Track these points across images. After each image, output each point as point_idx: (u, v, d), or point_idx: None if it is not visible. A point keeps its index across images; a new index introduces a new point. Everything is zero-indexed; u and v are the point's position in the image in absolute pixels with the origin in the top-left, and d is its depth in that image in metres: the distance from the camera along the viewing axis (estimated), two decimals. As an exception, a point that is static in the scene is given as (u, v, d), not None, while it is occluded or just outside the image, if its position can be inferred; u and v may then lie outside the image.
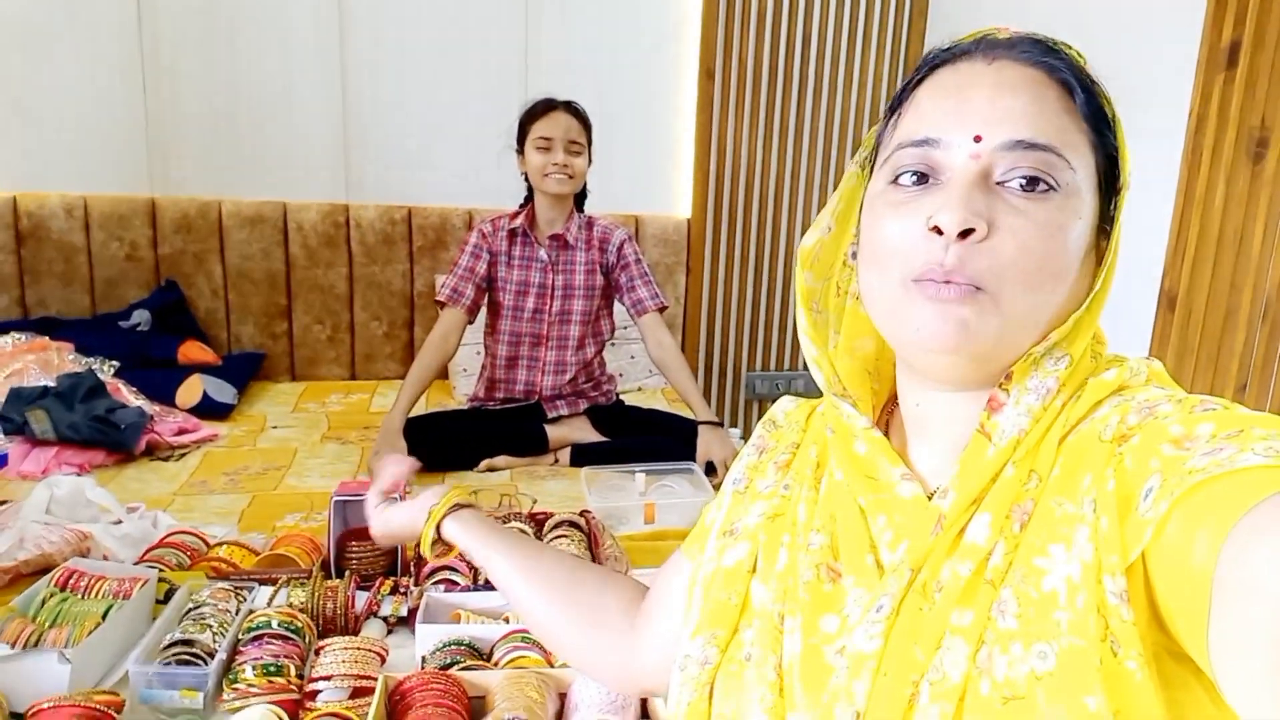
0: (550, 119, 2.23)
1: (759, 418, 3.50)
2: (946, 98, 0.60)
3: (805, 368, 3.38)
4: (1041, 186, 0.57)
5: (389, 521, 1.05)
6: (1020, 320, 0.57)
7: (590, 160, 2.31)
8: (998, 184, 0.57)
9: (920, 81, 0.63)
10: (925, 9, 3.18)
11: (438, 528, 0.97)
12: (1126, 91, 0.65)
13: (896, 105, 0.65)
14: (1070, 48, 0.61)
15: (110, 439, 2.20)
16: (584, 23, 3.03)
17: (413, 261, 3.06)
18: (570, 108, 2.26)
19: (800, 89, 3.18)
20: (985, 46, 0.61)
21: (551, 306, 2.38)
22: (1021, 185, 0.57)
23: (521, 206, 2.39)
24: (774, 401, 3.00)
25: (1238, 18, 1.65)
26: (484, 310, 2.43)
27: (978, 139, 0.58)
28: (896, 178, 0.61)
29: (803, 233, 3.24)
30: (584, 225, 2.40)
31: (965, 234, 0.56)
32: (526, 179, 2.34)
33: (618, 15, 3.06)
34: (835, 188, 2.87)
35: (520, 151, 2.30)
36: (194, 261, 2.93)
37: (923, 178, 0.60)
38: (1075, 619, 0.51)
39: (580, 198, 2.41)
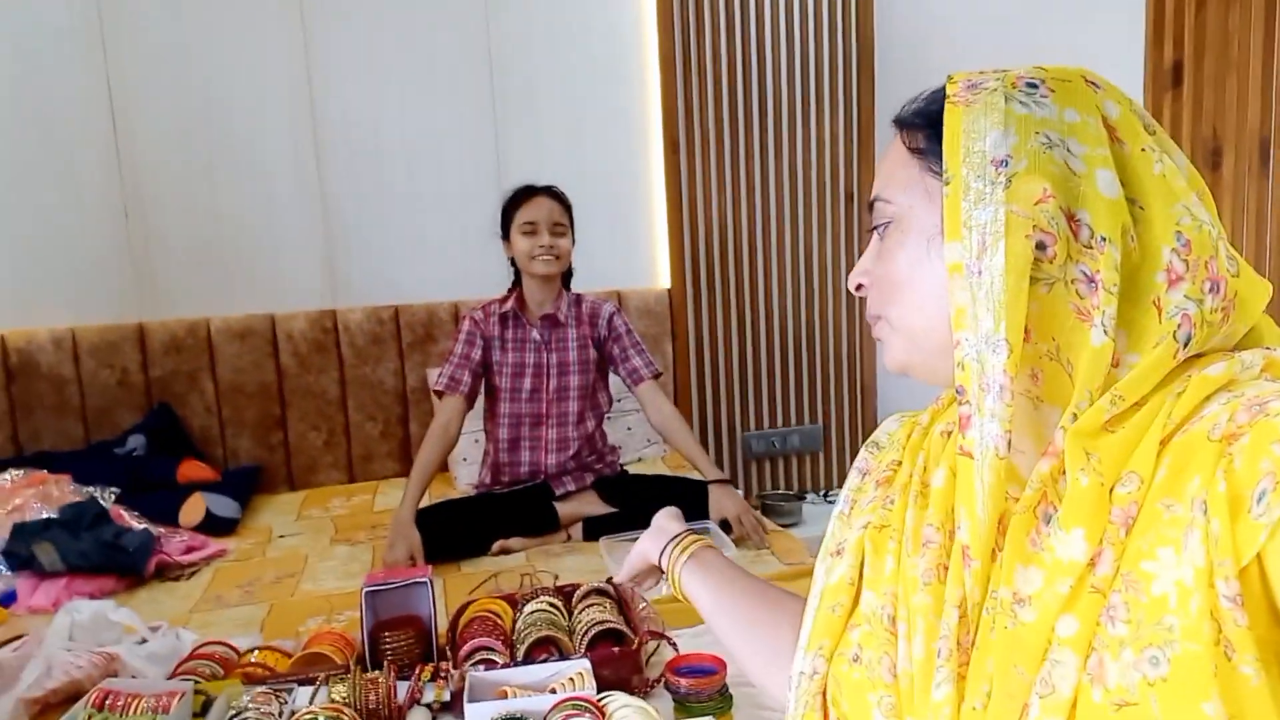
0: (533, 204, 2.30)
1: (759, 477, 3.54)
2: None
3: (800, 423, 3.43)
4: (880, 228, 0.72)
5: (632, 568, 1.11)
6: (911, 329, 0.69)
7: (574, 240, 2.38)
8: None
9: None
10: (872, 67, 3.33)
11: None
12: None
13: None
14: (951, 81, 0.67)
15: (120, 563, 2.17)
16: (550, 110, 3.14)
17: (403, 358, 3.09)
18: (551, 191, 2.34)
19: (762, 152, 3.29)
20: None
21: (548, 384, 2.41)
22: (876, 235, 0.73)
23: (510, 291, 2.44)
24: (771, 460, 3.07)
25: (1175, 40, 1.76)
26: (480, 397, 2.45)
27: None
28: None
29: (780, 287, 3.34)
30: (573, 303, 2.45)
31: (860, 287, 0.74)
32: (513, 264, 2.40)
33: (582, 100, 3.18)
34: (804, 242, 2.98)
35: (505, 238, 2.36)
36: (186, 381, 2.93)
37: None
38: (1190, 624, 0.51)
39: (567, 276, 2.47)
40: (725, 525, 2.15)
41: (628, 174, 3.25)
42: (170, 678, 1.50)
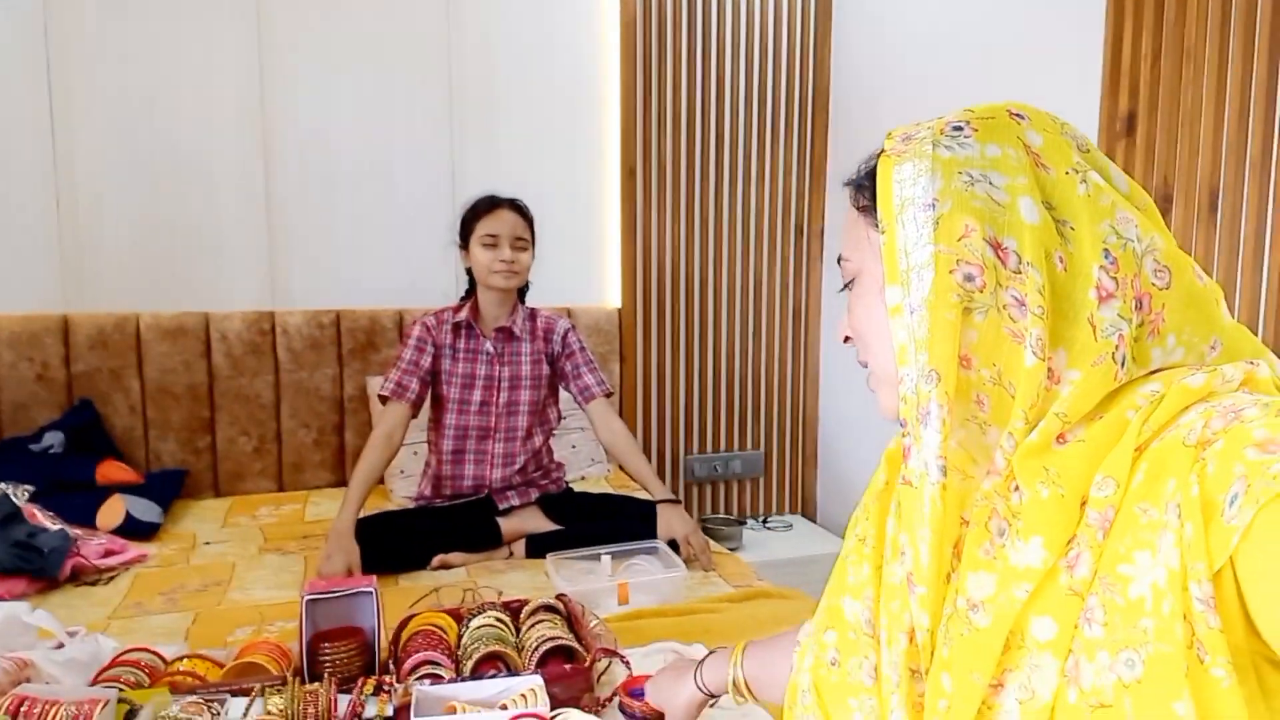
0: (495, 216, 2.26)
1: (699, 501, 3.52)
2: None
3: (742, 448, 3.44)
4: (848, 287, 0.77)
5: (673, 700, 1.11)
6: (886, 374, 0.71)
7: (534, 255, 2.35)
8: None
9: None
10: (826, 105, 3.40)
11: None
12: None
13: None
14: (889, 136, 0.70)
15: (33, 566, 2.04)
16: (508, 127, 3.12)
17: (342, 365, 3.00)
18: (514, 205, 2.31)
19: (716, 183, 3.32)
20: None
21: (499, 398, 2.37)
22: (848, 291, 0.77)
23: (464, 300, 2.40)
24: (713, 484, 3.10)
25: (1130, 91, 1.83)
26: (425, 407, 2.39)
27: None
28: None
29: (728, 314, 3.36)
30: (528, 317, 2.42)
31: (847, 339, 0.78)
32: (469, 274, 2.35)
33: (541, 119, 3.16)
34: (754, 271, 3.04)
35: (464, 247, 2.32)
36: (110, 378, 2.80)
37: None
38: (1161, 625, 0.52)
39: (522, 290, 2.43)
40: (674, 546, 2.13)
41: (583, 195, 3.24)
42: (93, 684, 1.41)
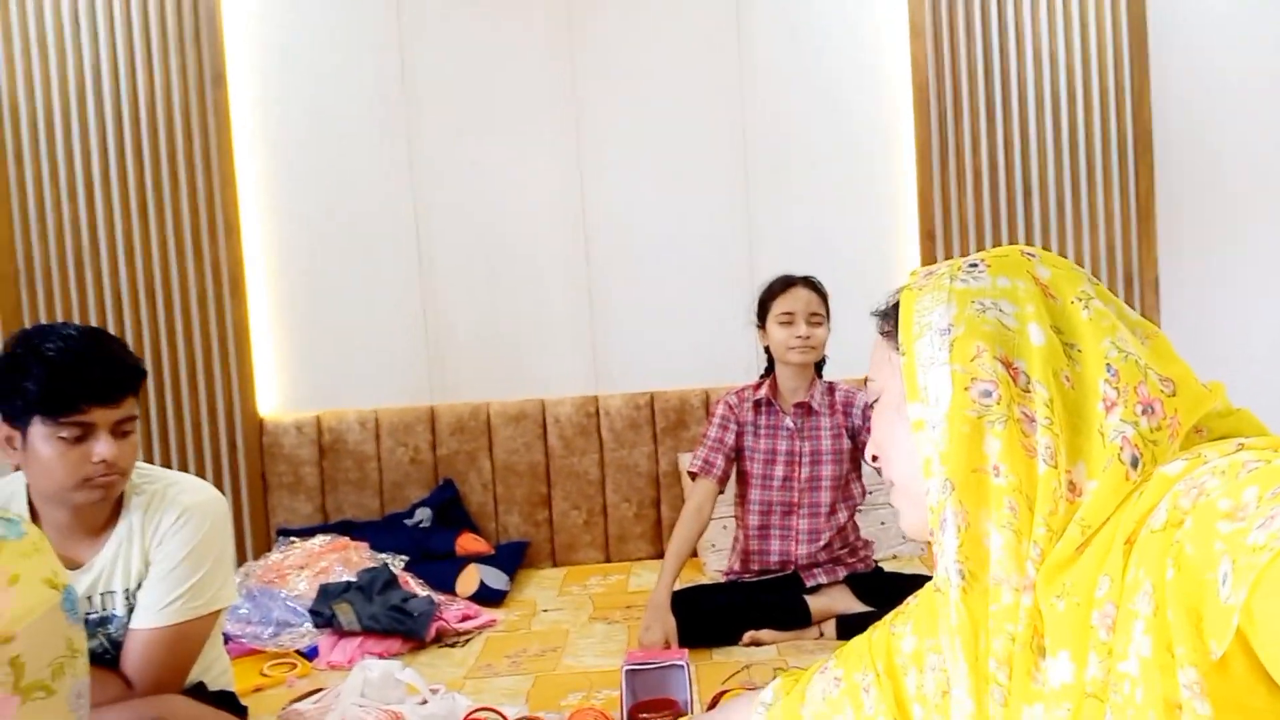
0: (790, 294, 2.34)
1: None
2: None
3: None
4: (873, 404, 0.83)
5: None
6: (906, 487, 0.77)
7: (829, 329, 2.39)
8: None
9: None
10: (1150, 146, 3.12)
11: None
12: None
13: None
14: (913, 274, 0.79)
15: (405, 627, 2.38)
16: (803, 202, 3.21)
17: (656, 443, 3.20)
18: (808, 282, 2.37)
19: (1026, 238, 3.15)
20: None
21: (800, 473, 2.40)
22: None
23: (763, 378, 2.48)
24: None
25: None
26: (732, 482, 2.48)
27: None
28: None
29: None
30: (826, 391, 2.44)
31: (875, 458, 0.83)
32: (768, 351, 2.44)
33: (835, 190, 3.21)
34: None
35: (761, 326, 2.41)
36: (467, 460, 3.21)
37: None
38: (1136, 714, 0.53)
39: (820, 364, 2.47)
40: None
41: (882, 263, 3.22)
42: (447, 738, 1.63)
